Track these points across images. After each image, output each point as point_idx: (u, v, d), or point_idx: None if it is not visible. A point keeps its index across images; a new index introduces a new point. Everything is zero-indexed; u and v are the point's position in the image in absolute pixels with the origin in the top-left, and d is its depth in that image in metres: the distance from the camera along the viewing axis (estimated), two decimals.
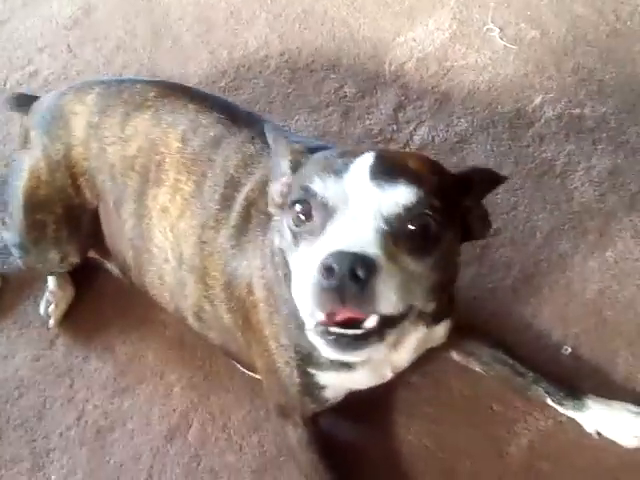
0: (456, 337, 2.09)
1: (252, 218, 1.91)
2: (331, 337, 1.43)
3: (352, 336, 1.42)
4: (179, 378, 2.26)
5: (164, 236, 2.05)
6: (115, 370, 2.29)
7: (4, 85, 3.05)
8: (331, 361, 1.79)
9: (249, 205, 1.93)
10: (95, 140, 2.13)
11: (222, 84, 2.96)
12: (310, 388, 1.89)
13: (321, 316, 1.43)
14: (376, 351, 1.47)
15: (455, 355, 2.18)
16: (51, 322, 2.37)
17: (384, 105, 2.81)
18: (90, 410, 2.23)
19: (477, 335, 2.17)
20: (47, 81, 3.04)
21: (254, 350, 1.96)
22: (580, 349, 2.21)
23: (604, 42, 2.95)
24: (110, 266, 2.38)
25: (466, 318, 2.14)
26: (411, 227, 1.45)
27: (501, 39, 3.00)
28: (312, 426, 2.01)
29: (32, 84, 3.01)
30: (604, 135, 2.67)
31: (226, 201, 1.96)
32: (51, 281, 2.41)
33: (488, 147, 2.66)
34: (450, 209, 1.53)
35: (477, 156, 2.63)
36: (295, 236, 1.54)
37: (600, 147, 2.63)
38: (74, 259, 2.28)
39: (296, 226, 1.53)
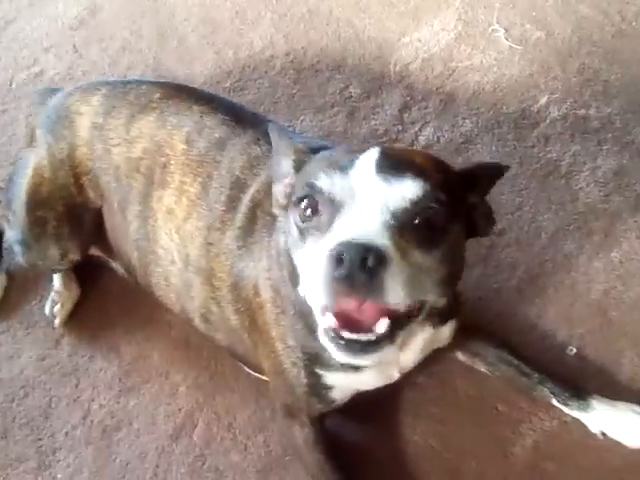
0: (461, 337, 2.10)
1: (258, 219, 1.91)
2: (342, 342, 1.44)
3: (365, 342, 1.43)
4: (185, 378, 2.26)
5: (170, 238, 2.05)
6: (121, 370, 2.30)
7: (10, 85, 3.06)
8: (338, 361, 1.79)
9: (255, 206, 1.93)
10: (100, 141, 2.13)
11: (227, 84, 2.96)
12: (317, 389, 1.89)
13: (332, 319, 1.44)
14: (387, 354, 1.47)
15: (460, 355, 2.18)
16: (56, 322, 2.37)
17: (389, 105, 2.82)
18: (96, 409, 2.23)
19: (482, 335, 2.17)
20: (53, 81, 3.04)
21: (261, 351, 1.96)
22: (585, 350, 2.21)
23: (609, 43, 2.95)
24: (115, 265, 2.38)
25: (471, 319, 2.14)
26: (418, 220, 1.46)
27: (506, 40, 3.00)
28: (318, 426, 2.01)
29: (38, 84, 3.01)
30: (609, 136, 2.67)
31: (232, 202, 1.96)
32: (56, 281, 2.42)
33: (493, 148, 2.66)
34: (455, 204, 1.54)
35: (482, 157, 2.63)
36: (302, 232, 1.54)
37: (605, 148, 2.63)
38: (74, 256, 2.29)
39: (303, 222, 1.53)
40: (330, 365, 1.82)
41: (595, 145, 2.64)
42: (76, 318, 2.41)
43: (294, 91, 2.92)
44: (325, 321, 1.47)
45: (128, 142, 2.10)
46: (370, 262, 1.35)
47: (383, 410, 2.15)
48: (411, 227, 1.45)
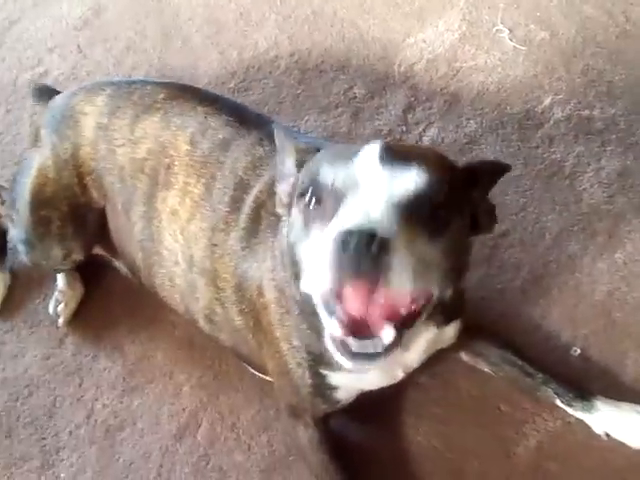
0: (465, 338, 2.10)
1: (262, 220, 1.92)
2: (349, 352, 1.44)
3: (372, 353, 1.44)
4: (188, 378, 2.26)
5: (174, 239, 2.05)
6: (124, 369, 2.30)
7: (14, 85, 3.06)
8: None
9: (258, 207, 1.93)
10: (104, 141, 2.13)
11: (232, 85, 2.96)
12: (322, 389, 1.89)
13: (338, 328, 1.43)
14: (392, 357, 1.48)
15: (464, 356, 2.18)
16: (60, 321, 2.38)
17: (393, 106, 2.81)
18: (99, 409, 2.24)
19: (486, 336, 2.16)
20: (57, 81, 3.03)
21: (265, 352, 1.96)
22: (589, 350, 2.21)
23: (614, 43, 2.94)
24: (119, 265, 2.38)
25: (475, 319, 2.14)
26: (422, 210, 1.45)
27: (510, 40, 3.00)
28: (323, 427, 2.02)
29: None
30: (613, 137, 2.66)
31: (235, 203, 1.97)
32: (60, 280, 2.42)
33: (497, 148, 2.66)
34: (459, 197, 1.54)
35: (486, 157, 2.61)
36: (306, 224, 1.53)
37: (609, 149, 2.63)
38: (78, 256, 2.29)
39: (306, 213, 1.53)
40: (334, 365, 1.81)
41: (599, 146, 2.64)
42: (80, 317, 2.41)
43: (298, 91, 2.92)
44: (331, 328, 1.46)
45: (132, 143, 2.11)
46: (375, 247, 1.33)
47: (386, 410, 2.15)
48: (415, 216, 1.44)
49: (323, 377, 1.86)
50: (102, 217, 2.22)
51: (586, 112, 2.74)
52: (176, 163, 2.05)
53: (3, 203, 2.44)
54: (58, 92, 2.40)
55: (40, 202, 2.20)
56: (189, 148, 2.05)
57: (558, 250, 2.41)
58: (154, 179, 2.08)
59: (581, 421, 2.06)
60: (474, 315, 2.13)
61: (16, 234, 2.35)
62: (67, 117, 2.18)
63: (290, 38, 3.11)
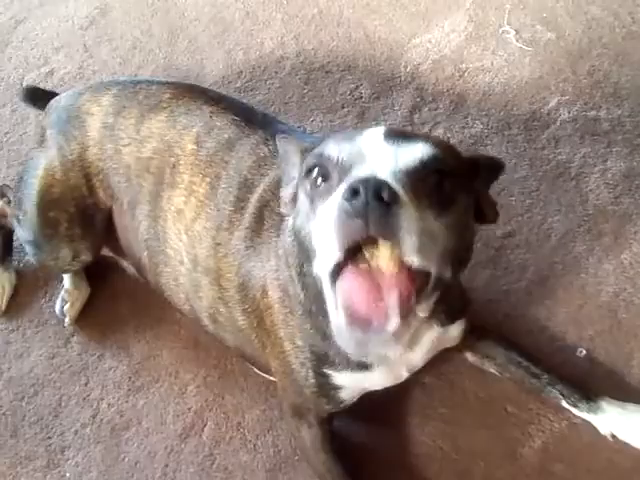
0: (471, 339, 2.10)
1: (265, 219, 1.92)
2: (355, 339, 1.42)
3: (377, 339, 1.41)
4: (194, 377, 2.26)
5: (179, 238, 2.06)
6: (130, 369, 2.30)
7: (20, 85, 3.05)
8: (347, 361, 1.80)
9: (262, 207, 1.93)
10: (110, 141, 2.13)
11: (238, 85, 2.97)
12: (326, 389, 1.89)
13: (343, 318, 1.42)
14: (396, 352, 1.47)
15: (470, 356, 2.18)
16: (67, 321, 2.38)
17: (399, 106, 2.81)
18: (105, 408, 2.24)
19: (492, 337, 2.16)
20: (63, 81, 3.05)
21: (269, 352, 1.96)
22: (595, 351, 2.21)
23: (620, 44, 2.94)
24: (125, 264, 2.39)
25: (481, 320, 2.14)
26: (428, 181, 1.45)
27: (517, 41, 2.99)
28: (326, 427, 2.01)
29: (48, 84, 3.02)
30: (619, 138, 2.66)
31: (240, 203, 1.97)
32: (66, 280, 2.42)
33: (503, 149, 2.65)
34: (464, 178, 1.55)
35: None
36: (312, 201, 1.52)
37: (615, 150, 2.63)
38: (86, 257, 2.29)
39: (313, 192, 1.52)
40: (338, 364, 1.82)
41: (605, 147, 2.64)
42: (86, 317, 2.41)
43: (304, 91, 2.92)
44: (337, 318, 1.44)
45: (138, 142, 2.11)
46: (386, 195, 1.33)
47: (391, 411, 2.15)
48: (421, 187, 1.43)
49: (327, 377, 1.86)
50: (109, 218, 2.22)
51: (592, 113, 2.74)
52: (181, 162, 2.05)
53: (9, 203, 2.44)
54: (52, 94, 2.40)
55: (48, 203, 2.20)
56: (194, 147, 2.05)
57: (564, 251, 2.41)
58: (159, 178, 2.08)
59: (587, 422, 2.06)
60: (480, 316, 2.14)
61: (23, 235, 2.35)
62: (73, 117, 2.18)
63: (296, 38, 3.11)
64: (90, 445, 2.18)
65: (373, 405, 2.03)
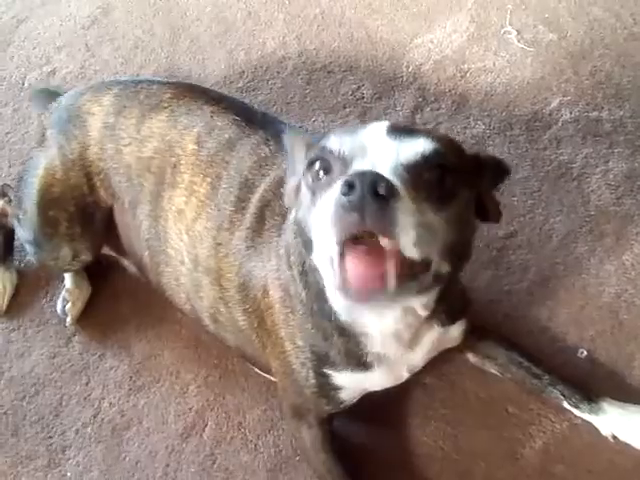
0: (472, 339, 2.10)
1: (266, 219, 1.92)
2: (350, 292, 1.41)
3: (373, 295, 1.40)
4: (195, 377, 2.27)
5: (179, 238, 2.06)
6: (131, 368, 2.30)
7: (22, 84, 3.06)
8: (347, 361, 1.81)
9: (263, 206, 1.94)
10: (111, 141, 2.14)
11: (240, 85, 2.97)
12: (326, 389, 1.89)
13: (339, 276, 1.41)
14: (390, 307, 1.45)
15: (471, 357, 2.18)
16: (68, 320, 2.38)
17: (401, 107, 2.81)
18: (106, 408, 2.24)
19: (493, 337, 2.16)
20: (65, 80, 3.05)
21: (269, 352, 1.96)
22: (596, 352, 2.21)
23: (622, 45, 2.94)
24: (126, 264, 2.39)
25: (482, 320, 2.14)
26: (429, 176, 1.45)
27: (518, 42, 2.99)
28: (327, 427, 2.01)
29: (50, 83, 3.02)
30: (621, 138, 2.66)
31: (241, 203, 1.97)
32: (68, 279, 2.42)
33: (505, 149, 2.65)
34: (466, 174, 1.55)
35: None
36: (314, 193, 1.52)
37: (617, 150, 2.62)
38: (86, 257, 2.29)
39: (314, 185, 1.53)
40: (339, 364, 1.83)
41: (607, 148, 2.64)
42: (87, 316, 2.42)
43: (306, 92, 2.92)
44: (333, 277, 1.43)
45: (139, 141, 2.11)
46: (382, 190, 1.33)
47: (392, 411, 2.15)
48: (422, 182, 1.44)
49: (327, 377, 1.86)
50: (110, 217, 2.23)
51: (594, 114, 2.74)
52: (182, 162, 2.06)
53: (10, 202, 2.44)
54: (58, 94, 2.41)
55: (48, 203, 2.20)
56: (195, 147, 2.05)
57: (565, 252, 2.41)
58: (160, 178, 2.08)
59: (588, 423, 2.06)
60: (481, 316, 2.14)
61: (24, 235, 2.35)
62: (74, 117, 2.19)
63: (298, 38, 3.11)
64: (91, 444, 2.18)
65: (374, 405, 2.03)
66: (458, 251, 1.56)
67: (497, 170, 1.72)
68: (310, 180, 1.54)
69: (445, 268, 1.53)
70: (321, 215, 1.43)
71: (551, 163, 2.61)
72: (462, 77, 2.90)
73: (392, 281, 1.38)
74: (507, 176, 1.74)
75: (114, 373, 2.30)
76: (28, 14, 3.35)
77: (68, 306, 2.38)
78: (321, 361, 1.84)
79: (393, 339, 1.77)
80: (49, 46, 3.21)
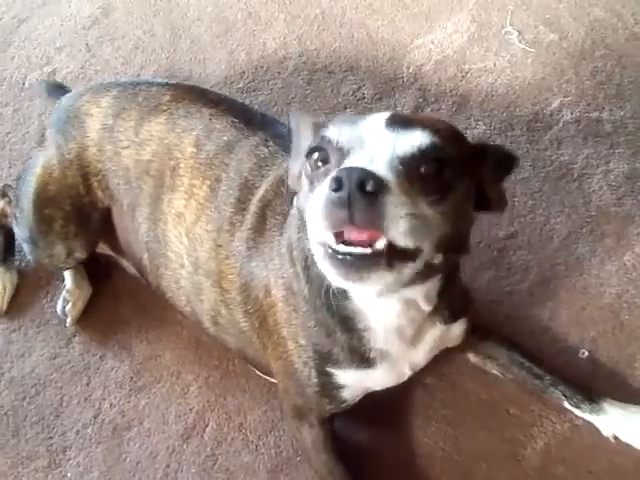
0: (473, 339, 2.11)
1: (268, 219, 1.92)
2: (339, 256, 1.39)
3: (359, 256, 1.38)
4: (196, 378, 2.26)
5: (179, 241, 2.06)
6: (132, 369, 2.30)
7: (23, 84, 3.07)
8: (350, 359, 1.81)
9: (264, 206, 1.94)
10: (110, 143, 2.14)
11: (240, 85, 2.97)
12: (328, 389, 1.89)
13: (329, 236, 1.40)
14: (383, 282, 1.44)
15: (472, 357, 2.18)
16: (68, 321, 2.38)
17: (402, 107, 2.81)
18: (107, 408, 2.24)
19: (494, 337, 2.16)
20: (65, 80, 3.03)
21: (270, 353, 1.96)
22: (597, 353, 2.21)
23: (623, 46, 2.94)
24: (126, 264, 2.39)
25: (483, 320, 2.14)
26: (425, 169, 1.45)
27: (519, 42, 2.99)
28: (328, 427, 2.01)
29: None
30: (622, 139, 2.66)
31: (241, 204, 1.97)
32: (68, 279, 2.42)
33: None
34: (465, 165, 1.54)
35: None
36: (312, 182, 1.53)
37: (618, 151, 2.62)
38: (80, 254, 2.29)
39: (313, 174, 1.54)
40: (342, 363, 1.83)
41: (608, 148, 2.64)
42: (88, 317, 2.41)
43: (307, 92, 2.92)
44: (321, 237, 1.43)
45: (138, 144, 2.11)
46: (370, 186, 1.33)
47: (393, 412, 2.15)
48: (418, 175, 1.44)
49: (330, 376, 1.86)
50: (106, 216, 2.23)
51: (595, 114, 2.74)
52: (181, 165, 2.06)
53: (10, 202, 2.45)
54: (68, 90, 2.42)
55: (43, 201, 2.21)
56: (194, 150, 2.05)
57: (566, 252, 2.41)
58: (159, 181, 2.08)
59: (589, 424, 2.06)
60: (482, 317, 2.14)
61: (20, 233, 2.36)
62: (72, 118, 2.19)
63: (299, 38, 3.11)
64: (92, 445, 2.18)
65: (375, 406, 2.02)
66: (453, 243, 1.55)
67: (503, 160, 1.72)
68: (309, 169, 1.55)
69: (438, 259, 1.53)
70: (313, 206, 1.43)
71: (552, 164, 2.61)
72: (463, 77, 2.90)
73: (381, 244, 1.38)
74: (514, 166, 1.73)
75: (115, 374, 2.30)
76: (29, 14, 3.36)
77: (68, 307, 2.38)
78: (324, 359, 1.84)
79: (396, 335, 1.77)
80: (50, 46, 3.21)
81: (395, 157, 1.44)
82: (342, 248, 1.38)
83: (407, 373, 1.93)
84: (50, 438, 2.20)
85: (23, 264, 2.53)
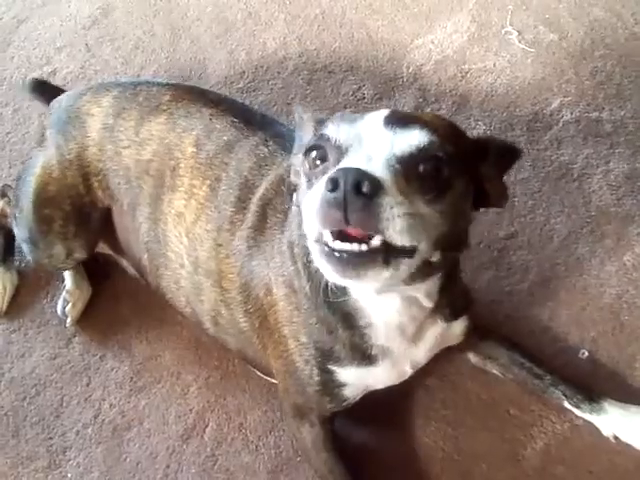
0: (474, 339, 2.11)
1: (268, 217, 1.93)
2: (335, 254, 1.39)
3: (356, 253, 1.38)
4: (196, 378, 2.27)
5: (179, 241, 2.06)
6: (132, 369, 2.30)
7: (22, 84, 3.05)
8: (352, 356, 1.81)
9: (265, 205, 1.94)
10: (110, 142, 2.14)
11: (240, 85, 2.97)
12: (329, 387, 1.89)
13: (327, 234, 1.40)
14: (381, 278, 1.44)
15: (472, 357, 2.18)
16: (68, 321, 2.38)
17: (402, 107, 2.81)
18: (107, 409, 2.24)
19: (495, 337, 2.16)
20: (65, 80, 3.05)
21: (271, 352, 1.96)
22: (597, 353, 2.21)
23: (623, 46, 2.94)
24: (126, 265, 2.39)
25: (483, 321, 2.14)
26: (422, 168, 1.45)
27: (519, 42, 2.99)
28: (328, 426, 2.01)
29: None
30: (622, 139, 2.66)
31: (241, 203, 1.98)
32: (68, 280, 2.42)
33: None
34: (463, 163, 1.54)
35: None
36: (310, 179, 1.54)
37: (618, 151, 2.62)
38: (80, 255, 2.29)
39: (311, 172, 1.54)
40: (343, 360, 1.83)
41: (608, 148, 2.64)
42: (88, 317, 2.42)
43: (307, 92, 2.92)
44: (317, 232, 1.43)
45: (138, 144, 2.11)
46: (365, 187, 1.33)
47: (393, 412, 2.15)
48: (415, 174, 1.44)
49: (331, 374, 1.86)
50: (106, 216, 2.23)
51: (595, 114, 2.74)
52: (181, 165, 2.06)
53: (10, 202, 2.44)
54: (57, 89, 2.41)
55: (43, 201, 2.21)
56: (194, 150, 2.06)
57: (566, 252, 2.41)
58: (160, 181, 2.09)
59: (589, 424, 2.06)
60: (482, 317, 2.14)
61: (20, 233, 2.36)
62: (73, 118, 2.19)
63: (299, 38, 3.11)
64: (92, 445, 2.18)
65: (375, 406, 2.02)
66: (452, 240, 1.55)
67: (504, 153, 1.71)
68: (307, 166, 1.56)
69: (437, 257, 1.53)
70: (309, 205, 1.43)
71: (552, 164, 2.61)
72: (463, 77, 2.90)
73: (377, 241, 1.38)
74: (517, 158, 1.73)
75: (115, 374, 2.30)
76: (28, 14, 3.36)
77: (68, 307, 2.38)
78: (325, 357, 1.84)
79: (397, 332, 1.78)
80: (49, 46, 3.22)
81: (393, 156, 1.44)
82: (338, 245, 1.38)
83: (408, 371, 1.93)
84: (50, 438, 2.20)
85: (23, 264, 2.53)
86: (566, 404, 2.07)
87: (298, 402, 1.99)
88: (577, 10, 3.09)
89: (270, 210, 1.93)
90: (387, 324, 1.76)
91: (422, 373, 2.01)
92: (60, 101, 2.29)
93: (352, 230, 1.37)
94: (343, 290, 1.67)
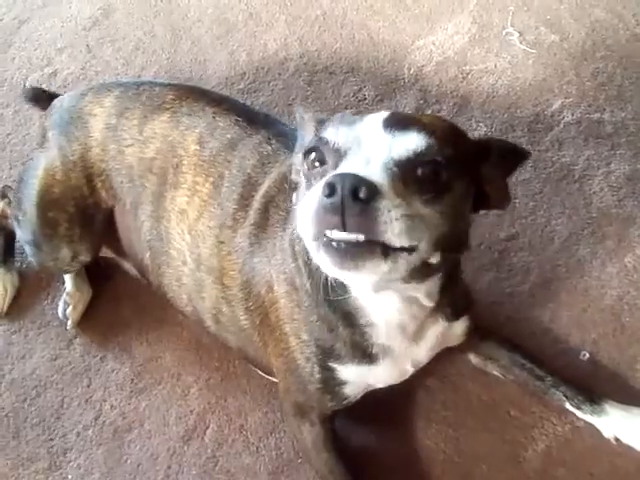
0: (474, 340, 2.11)
1: (271, 215, 1.93)
2: (333, 244, 1.39)
3: (354, 243, 1.38)
4: (196, 379, 2.26)
5: (182, 238, 2.06)
6: (132, 371, 2.30)
7: (23, 85, 3.06)
8: (352, 354, 1.81)
9: (267, 202, 1.94)
10: (113, 142, 2.14)
11: (241, 86, 2.97)
12: (330, 385, 1.89)
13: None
14: (379, 271, 1.43)
15: (473, 358, 2.18)
16: (69, 324, 2.37)
17: (403, 108, 2.81)
18: (107, 410, 2.24)
19: (495, 339, 2.16)
20: (66, 81, 3.05)
21: (271, 350, 1.96)
22: (598, 354, 2.20)
23: (624, 47, 2.94)
24: (127, 266, 2.39)
25: (484, 322, 2.14)
26: (421, 171, 1.45)
27: (520, 43, 2.99)
28: (329, 426, 2.01)
29: (51, 84, 3.02)
30: (623, 140, 2.66)
31: (244, 200, 1.98)
32: (68, 282, 2.42)
33: None
34: (463, 165, 1.53)
35: None
36: (309, 180, 1.54)
37: (619, 152, 2.62)
38: (85, 258, 2.29)
39: (310, 173, 1.54)
40: (344, 358, 1.83)
41: (609, 150, 2.64)
42: (88, 319, 2.41)
43: (308, 93, 2.92)
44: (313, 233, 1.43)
45: (141, 142, 2.11)
46: (362, 193, 1.33)
47: (394, 413, 2.15)
48: (414, 177, 1.44)
49: (332, 371, 1.86)
50: (110, 218, 2.23)
51: (596, 115, 2.74)
52: (184, 163, 2.06)
53: (10, 204, 2.44)
54: (53, 95, 2.41)
55: (47, 203, 2.20)
56: (197, 148, 2.06)
57: (567, 254, 2.41)
58: (163, 179, 2.08)
59: (590, 426, 2.05)
60: (483, 318, 2.14)
61: (23, 236, 2.35)
62: (75, 119, 2.19)
63: (300, 39, 3.11)
64: (92, 447, 2.18)
65: (376, 407, 2.03)
66: (451, 241, 1.55)
67: (509, 155, 1.71)
68: (306, 168, 1.56)
69: (436, 258, 1.53)
70: (305, 208, 1.43)
71: (553, 165, 2.61)
72: (464, 79, 2.90)
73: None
74: (524, 161, 1.73)
75: (115, 375, 2.29)
76: (29, 15, 3.36)
77: (69, 309, 2.38)
78: (326, 355, 1.84)
79: (398, 330, 1.78)
80: (50, 47, 3.22)
81: (391, 160, 1.44)
82: (336, 235, 1.38)
83: (409, 370, 1.94)
84: (51, 440, 2.20)
85: (24, 266, 2.53)
86: (567, 406, 2.06)
87: (299, 400, 1.99)
88: (578, 11, 3.09)
89: (272, 208, 1.93)
90: (388, 323, 1.76)
91: (423, 374, 2.01)
92: (61, 101, 2.29)
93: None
94: (343, 288, 1.67)
